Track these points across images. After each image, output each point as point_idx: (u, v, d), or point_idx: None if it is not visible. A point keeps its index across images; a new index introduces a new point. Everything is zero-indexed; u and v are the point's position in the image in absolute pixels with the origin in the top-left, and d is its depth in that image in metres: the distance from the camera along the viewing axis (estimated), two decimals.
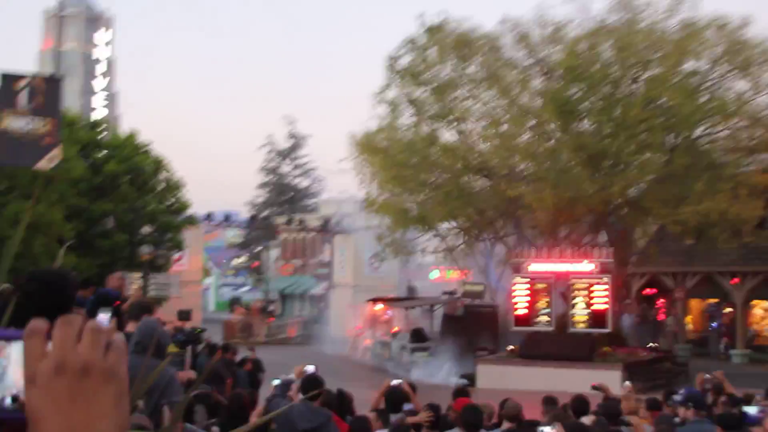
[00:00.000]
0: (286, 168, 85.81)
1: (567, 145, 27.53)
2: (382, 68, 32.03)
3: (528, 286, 26.30)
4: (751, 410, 9.27)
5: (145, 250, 31.16)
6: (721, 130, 28.85)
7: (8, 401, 1.09)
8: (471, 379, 26.13)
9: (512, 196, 29.04)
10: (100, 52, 79.35)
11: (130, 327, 7.15)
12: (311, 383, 7.81)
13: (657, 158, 28.19)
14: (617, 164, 27.97)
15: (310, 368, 8.68)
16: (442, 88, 30.90)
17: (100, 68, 78.79)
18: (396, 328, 37.34)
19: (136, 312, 7.18)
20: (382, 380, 9.93)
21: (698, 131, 28.78)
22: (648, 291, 34.03)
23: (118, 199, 33.75)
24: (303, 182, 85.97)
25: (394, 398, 8.97)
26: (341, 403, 9.02)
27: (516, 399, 8.86)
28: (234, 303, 68.92)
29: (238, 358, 17.76)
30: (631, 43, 27.45)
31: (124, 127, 36.56)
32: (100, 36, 79.44)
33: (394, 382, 9.45)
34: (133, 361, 6.98)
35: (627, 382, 11.09)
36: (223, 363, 16.20)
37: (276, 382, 9.19)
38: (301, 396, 7.86)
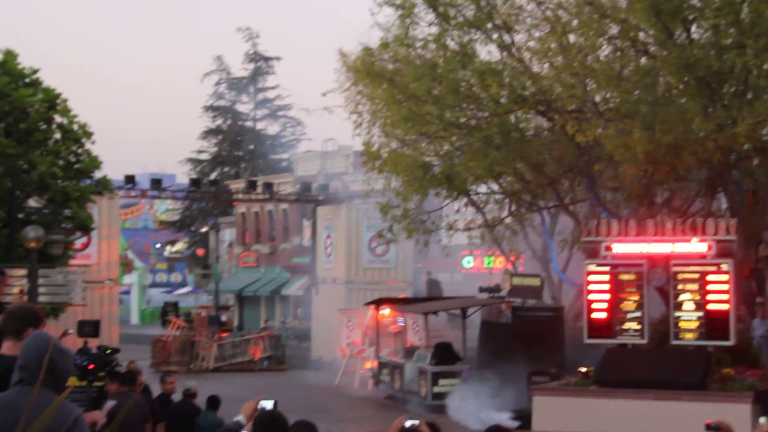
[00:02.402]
0: (243, 107, 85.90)
1: (668, 64, 27.46)
2: None
3: (609, 277, 26.34)
4: None
5: (31, 234, 31.12)
6: None
7: None
8: (524, 418, 26.35)
9: (584, 142, 28.99)
10: None
11: (7, 348, 7.12)
12: (267, 427, 7.86)
13: None
14: (744, 91, 27.91)
15: (268, 404, 8.75)
16: None
17: None
18: (411, 343, 37.50)
19: (17, 325, 7.16)
20: (390, 421, 9.96)
21: None
22: None
23: None
24: (270, 128, 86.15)
25: None
26: None
27: None
28: (168, 312, 69.13)
29: (176, 392, 17.82)
30: None
31: None
32: None
33: (408, 423, 9.48)
34: (15, 397, 6.91)
35: (763, 419, 11.09)
36: (152, 400, 16.25)
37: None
38: None
